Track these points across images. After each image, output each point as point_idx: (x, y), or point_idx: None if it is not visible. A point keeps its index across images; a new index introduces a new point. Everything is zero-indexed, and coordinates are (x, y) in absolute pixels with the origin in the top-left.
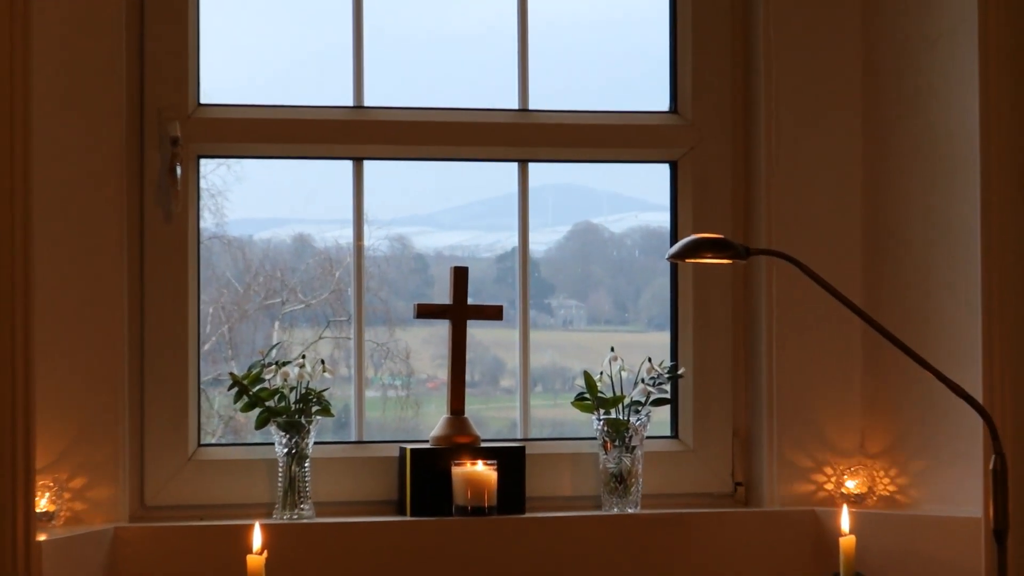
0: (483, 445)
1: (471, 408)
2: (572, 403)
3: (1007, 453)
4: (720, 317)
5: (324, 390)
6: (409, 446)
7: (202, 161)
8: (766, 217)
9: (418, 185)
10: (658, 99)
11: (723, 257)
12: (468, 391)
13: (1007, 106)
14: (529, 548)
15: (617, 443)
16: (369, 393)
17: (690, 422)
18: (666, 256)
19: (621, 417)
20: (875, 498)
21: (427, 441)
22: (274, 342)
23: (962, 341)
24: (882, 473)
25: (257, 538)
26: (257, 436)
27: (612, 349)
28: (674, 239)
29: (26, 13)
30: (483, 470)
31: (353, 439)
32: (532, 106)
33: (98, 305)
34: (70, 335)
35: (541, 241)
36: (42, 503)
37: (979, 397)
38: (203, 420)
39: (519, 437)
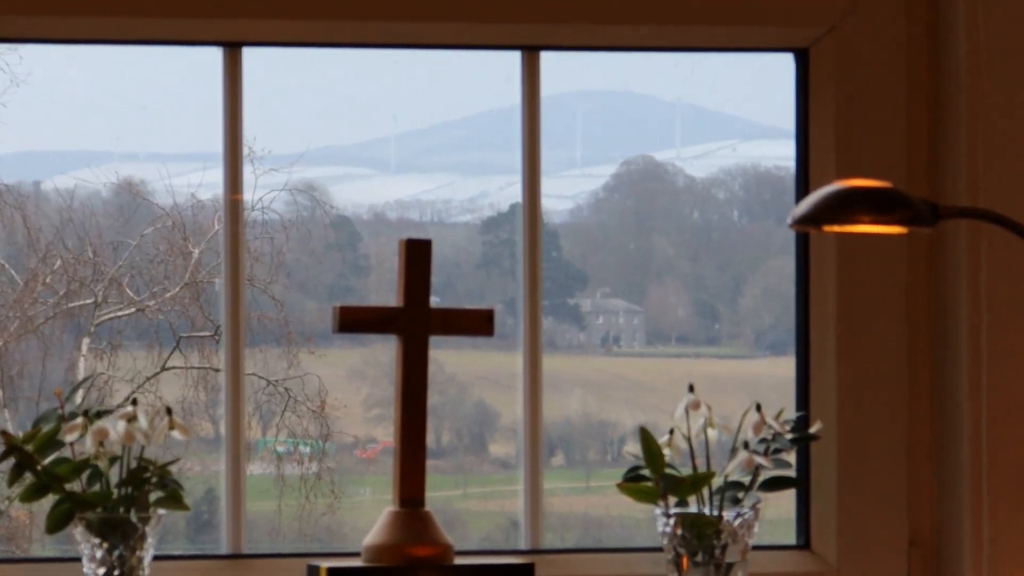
0: (459, 562)
1: (438, 495)
2: (619, 486)
3: None
4: (885, 330)
5: (172, 463)
6: (325, 563)
7: None
8: (967, 153)
9: (342, 93)
10: None
11: (892, 223)
12: (431, 464)
13: None
14: None
15: (701, 557)
16: (254, 467)
17: (832, 521)
18: (789, 220)
19: (707, 511)
20: None
21: (357, 554)
22: (81, 375)
23: None
24: None
25: None
26: (50, 544)
27: (691, 389)
28: (802, 191)
29: None
30: None
31: (224, 551)
32: None
33: None
34: None
35: (564, 193)
36: None
37: None
38: None
39: (523, 548)
